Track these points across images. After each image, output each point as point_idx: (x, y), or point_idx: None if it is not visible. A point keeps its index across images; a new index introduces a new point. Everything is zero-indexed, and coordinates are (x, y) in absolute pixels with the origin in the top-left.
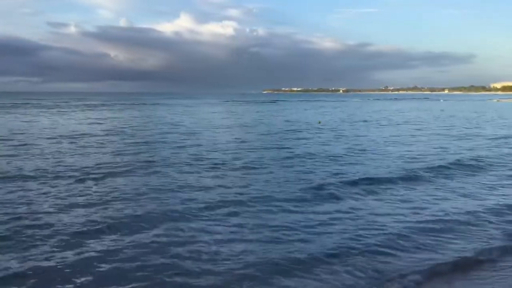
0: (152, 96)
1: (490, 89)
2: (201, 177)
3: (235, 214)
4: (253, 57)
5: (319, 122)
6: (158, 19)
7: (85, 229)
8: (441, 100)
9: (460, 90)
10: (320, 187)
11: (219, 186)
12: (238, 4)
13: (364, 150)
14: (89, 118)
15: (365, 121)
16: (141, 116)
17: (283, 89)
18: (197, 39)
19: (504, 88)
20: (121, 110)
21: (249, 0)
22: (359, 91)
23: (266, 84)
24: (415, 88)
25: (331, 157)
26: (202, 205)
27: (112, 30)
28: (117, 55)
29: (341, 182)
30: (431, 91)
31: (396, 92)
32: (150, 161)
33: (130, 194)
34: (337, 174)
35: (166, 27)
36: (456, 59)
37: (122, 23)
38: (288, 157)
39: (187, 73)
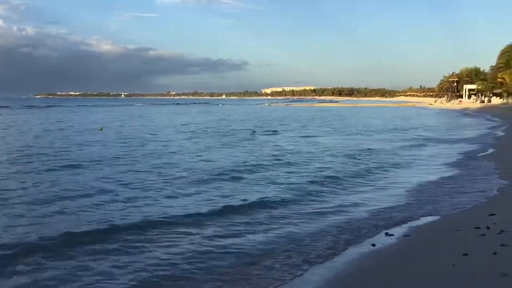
0: None
1: (261, 94)
2: None
3: None
4: (23, 59)
5: (101, 129)
6: None
7: None
8: (220, 105)
9: (236, 95)
10: None
11: None
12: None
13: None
14: None
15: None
16: None
17: (59, 93)
18: None
19: (273, 93)
20: None
21: None
22: (142, 95)
23: (40, 88)
24: (195, 93)
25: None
26: None
27: None
28: None
29: None
30: (211, 96)
31: (178, 97)
32: None
33: None
34: None
35: None
36: (232, 66)
37: None
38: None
39: None
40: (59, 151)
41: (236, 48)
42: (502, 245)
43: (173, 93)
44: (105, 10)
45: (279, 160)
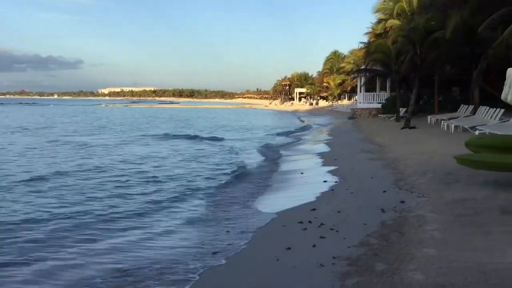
0: None
1: (98, 95)
2: None
3: None
4: None
5: None
6: None
7: None
8: (51, 105)
9: (70, 95)
10: None
11: None
12: None
13: None
14: None
15: None
16: None
17: None
18: None
19: (111, 94)
20: None
21: None
22: None
23: None
24: (23, 93)
25: None
26: None
27: None
28: None
29: None
30: (40, 96)
31: (3, 97)
32: None
33: None
34: None
35: None
36: (64, 64)
37: None
38: None
39: None
40: None
41: (70, 45)
42: (321, 237)
43: None
44: None
45: None
